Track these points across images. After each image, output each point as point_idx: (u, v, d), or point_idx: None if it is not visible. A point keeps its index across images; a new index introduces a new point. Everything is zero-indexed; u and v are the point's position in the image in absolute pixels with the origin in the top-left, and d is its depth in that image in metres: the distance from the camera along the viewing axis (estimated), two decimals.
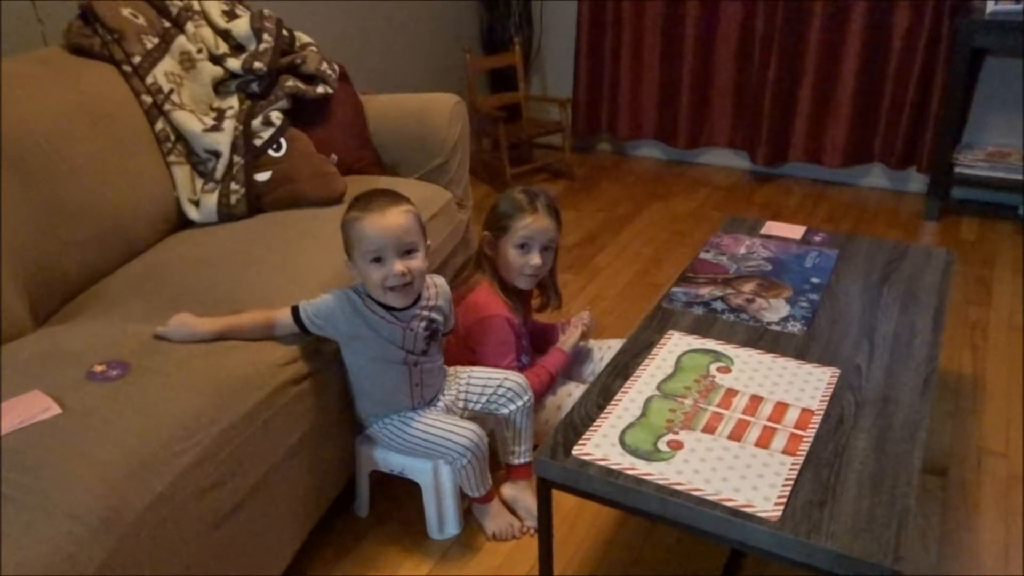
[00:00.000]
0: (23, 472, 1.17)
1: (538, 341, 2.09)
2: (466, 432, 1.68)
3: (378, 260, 1.53)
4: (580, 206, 3.55)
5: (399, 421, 1.70)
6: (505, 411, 1.78)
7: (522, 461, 1.83)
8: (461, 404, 1.79)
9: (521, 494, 1.83)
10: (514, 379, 1.79)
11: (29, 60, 1.94)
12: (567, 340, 2.00)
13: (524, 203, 1.88)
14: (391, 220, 1.52)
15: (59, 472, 1.18)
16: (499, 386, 1.77)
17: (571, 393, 1.95)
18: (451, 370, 1.83)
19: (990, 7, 3.00)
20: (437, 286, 1.71)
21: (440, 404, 1.76)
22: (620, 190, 3.74)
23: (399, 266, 1.53)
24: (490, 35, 4.02)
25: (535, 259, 1.88)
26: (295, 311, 1.59)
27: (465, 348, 1.91)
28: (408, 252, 1.55)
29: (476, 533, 1.80)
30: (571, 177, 3.87)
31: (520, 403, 1.78)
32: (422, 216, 1.62)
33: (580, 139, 4.14)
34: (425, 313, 1.65)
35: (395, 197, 1.58)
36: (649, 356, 1.59)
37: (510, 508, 1.83)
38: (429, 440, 1.68)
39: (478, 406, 1.79)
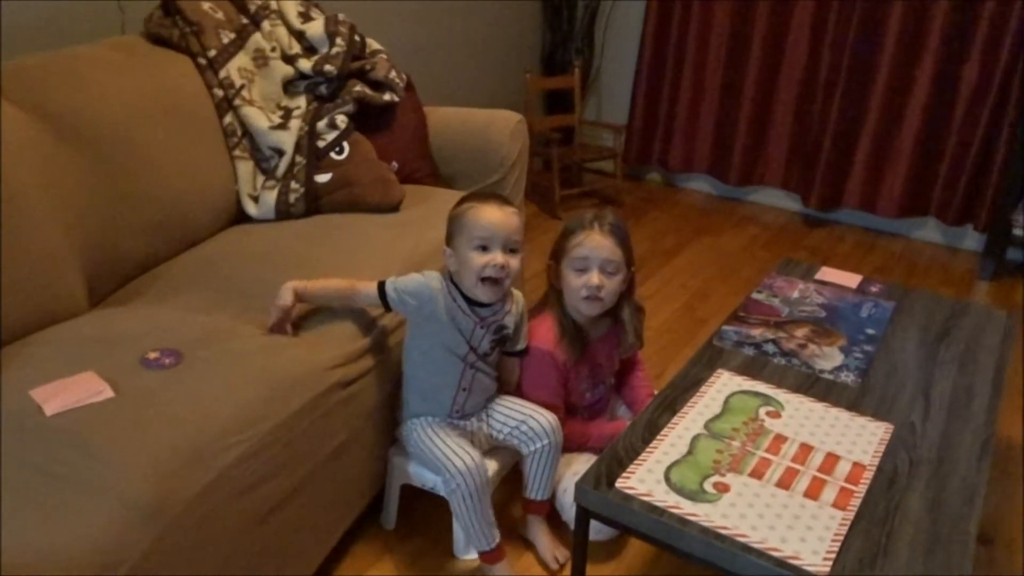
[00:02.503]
0: (75, 452, 1.18)
1: (624, 391, 2.03)
2: (464, 456, 1.61)
3: (483, 248, 1.59)
4: None
5: (425, 424, 1.69)
6: (525, 449, 1.74)
7: (538, 498, 1.77)
8: (486, 429, 1.75)
9: (533, 529, 1.79)
10: (538, 419, 1.72)
11: (109, 45, 1.98)
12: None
13: (584, 221, 1.78)
14: (505, 216, 1.61)
15: (111, 455, 1.19)
16: (522, 422, 1.72)
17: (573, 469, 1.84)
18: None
19: None
20: (516, 300, 1.74)
21: (470, 426, 1.74)
22: (668, 221, 3.72)
23: (501, 258, 1.58)
24: (551, 56, 4.04)
25: (593, 279, 1.74)
26: (381, 286, 1.64)
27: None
28: (512, 251, 1.61)
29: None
30: (619, 204, 3.85)
31: (540, 444, 1.71)
32: None
33: (631, 167, 4.13)
34: (499, 318, 1.68)
35: (507, 200, 1.67)
36: (697, 393, 1.57)
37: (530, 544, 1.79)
38: (433, 452, 1.65)
39: (501, 435, 1.75)
